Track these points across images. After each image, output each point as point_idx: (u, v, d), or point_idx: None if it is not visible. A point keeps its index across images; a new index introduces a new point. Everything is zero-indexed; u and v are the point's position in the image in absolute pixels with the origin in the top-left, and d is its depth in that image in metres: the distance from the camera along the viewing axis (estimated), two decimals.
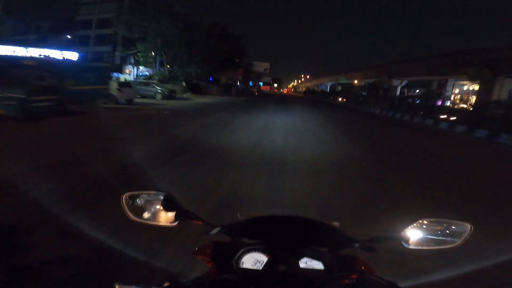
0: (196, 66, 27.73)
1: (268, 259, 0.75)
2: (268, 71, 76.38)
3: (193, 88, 27.64)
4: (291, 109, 22.94)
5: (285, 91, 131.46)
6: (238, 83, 52.70)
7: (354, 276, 0.67)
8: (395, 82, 40.46)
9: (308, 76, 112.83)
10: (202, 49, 26.50)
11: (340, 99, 48.78)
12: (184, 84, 26.08)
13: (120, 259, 2.36)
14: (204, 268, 0.85)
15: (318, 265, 0.75)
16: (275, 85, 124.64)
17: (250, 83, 77.21)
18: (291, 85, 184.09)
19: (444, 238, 0.78)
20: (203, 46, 26.52)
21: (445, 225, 0.79)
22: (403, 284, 0.63)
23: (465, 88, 34.45)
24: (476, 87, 27.02)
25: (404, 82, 40.85)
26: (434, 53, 33.05)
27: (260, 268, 0.74)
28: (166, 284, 0.59)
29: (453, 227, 0.79)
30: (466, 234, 0.78)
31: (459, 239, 0.78)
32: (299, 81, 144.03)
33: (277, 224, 0.85)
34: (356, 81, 50.50)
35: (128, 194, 0.81)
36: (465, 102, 32.47)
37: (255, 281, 0.67)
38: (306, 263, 0.75)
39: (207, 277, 0.65)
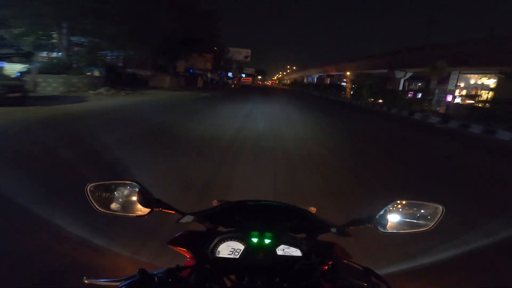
0: (126, 44, 17.49)
1: (244, 247, 0.74)
2: (249, 58, 68.21)
3: (120, 80, 18.49)
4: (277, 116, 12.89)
5: (269, 83, 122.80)
6: (209, 74, 43.22)
7: (331, 262, 0.67)
8: (398, 74, 33.66)
9: (294, 68, 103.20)
10: (137, 19, 16.24)
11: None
12: (97, 73, 15.88)
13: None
14: (178, 259, 0.80)
15: (295, 252, 0.74)
16: (259, 77, 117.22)
17: (230, 75, 69.25)
18: (275, 77, 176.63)
19: (417, 221, 0.80)
20: (139, 14, 16.65)
21: (417, 208, 0.80)
22: (379, 271, 0.61)
23: (472, 82, 30.44)
24: (487, 80, 23.46)
25: (409, 74, 34.13)
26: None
27: (237, 256, 0.73)
28: (136, 277, 0.56)
29: (426, 209, 0.80)
30: (438, 216, 0.79)
31: (432, 222, 0.79)
32: (284, 73, 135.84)
33: (253, 211, 0.85)
34: (348, 73, 43.56)
35: (92, 184, 0.75)
36: (473, 98, 27.48)
37: (231, 270, 0.66)
38: (283, 250, 0.74)
39: (181, 268, 0.63)
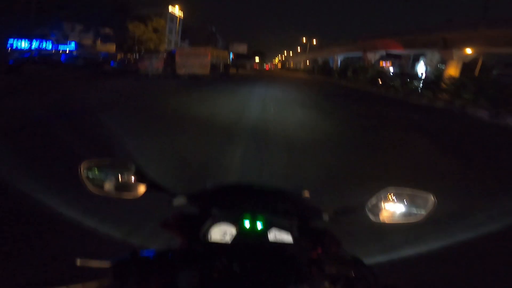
0: None
1: (236, 231, 0.74)
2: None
3: None
4: None
5: (267, 67, 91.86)
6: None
7: (320, 250, 0.68)
8: None
9: (314, 42, 65.08)
10: None
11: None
12: None
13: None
14: (171, 241, 0.80)
15: (287, 237, 0.75)
16: (257, 59, 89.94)
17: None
18: (277, 59, 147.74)
19: (408, 210, 0.79)
20: None
21: (409, 196, 0.79)
22: (367, 260, 0.62)
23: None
24: None
25: None
26: None
27: (229, 240, 0.73)
28: (128, 258, 0.57)
29: (417, 198, 0.79)
30: (429, 206, 0.78)
31: (423, 211, 0.78)
32: (290, 53, 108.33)
33: (246, 192, 0.87)
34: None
35: (86, 161, 0.75)
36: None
37: (223, 254, 0.65)
38: (275, 236, 0.75)
39: (172, 250, 0.63)
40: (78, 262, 0.56)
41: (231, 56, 60.57)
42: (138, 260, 0.57)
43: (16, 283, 1.69)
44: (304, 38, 60.27)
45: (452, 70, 22.28)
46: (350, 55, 46.66)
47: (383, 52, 37.07)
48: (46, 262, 1.82)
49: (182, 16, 48.55)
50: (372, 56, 38.55)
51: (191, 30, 59.99)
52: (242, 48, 63.50)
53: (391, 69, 31.84)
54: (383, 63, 38.14)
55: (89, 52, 27.26)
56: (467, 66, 22.95)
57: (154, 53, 24.25)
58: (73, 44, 29.35)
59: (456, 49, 22.34)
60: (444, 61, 24.81)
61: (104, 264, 0.56)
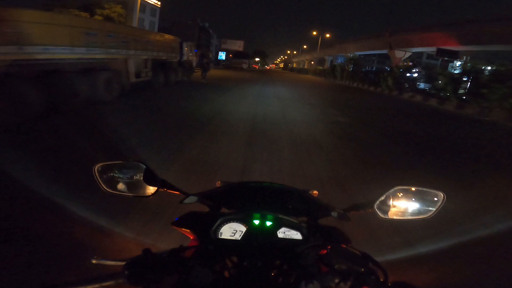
0: None
1: (246, 229, 0.75)
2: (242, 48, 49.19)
3: None
4: None
5: (268, 67, 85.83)
6: None
7: (330, 246, 0.67)
8: None
9: (328, 36, 49.33)
10: None
11: None
12: None
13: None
14: (182, 239, 0.81)
15: (296, 235, 0.75)
16: (257, 59, 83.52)
17: (222, 56, 40.15)
18: (279, 60, 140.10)
19: (417, 208, 0.79)
20: None
21: (418, 194, 0.79)
22: (376, 257, 0.61)
23: None
24: None
25: None
26: None
27: (239, 238, 0.74)
28: (141, 257, 0.58)
29: (426, 196, 0.79)
30: (439, 204, 0.78)
31: (432, 209, 0.78)
32: (294, 53, 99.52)
33: (255, 192, 0.88)
34: None
35: (100, 164, 0.77)
36: None
37: (233, 251, 0.67)
38: (284, 233, 0.75)
39: (184, 248, 0.64)
40: (94, 261, 0.60)
41: (223, 55, 51.89)
42: (151, 259, 0.58)
43: (32, 285, 1.66)
44: (313, 32, 50.59)
45: None
46: (369, 52, 38.18)
47: (417, 49, 28.49)
48: (61, 262, 1.83)
49: (160, 4, 39.75)
50: (401, 55, 29.97)
51: (178, 25, 51.39)
52: (238, 45, 54.64)
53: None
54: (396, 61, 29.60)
55: None
56: None
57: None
58: None
59: None
60: None
61: (118, 263, 0.59)
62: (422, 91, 19.31)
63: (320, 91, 19.22)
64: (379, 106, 13.73)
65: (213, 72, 32.29)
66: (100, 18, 21.43)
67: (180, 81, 14.05)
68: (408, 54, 30.17)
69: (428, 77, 19.27)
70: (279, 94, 13.84)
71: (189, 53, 15.20)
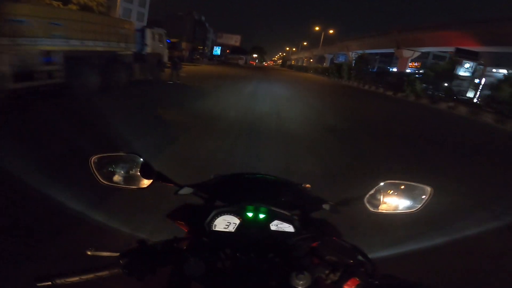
0: None
1: (240, 221, 0.76)
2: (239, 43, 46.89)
3: None
4: None
5: (266, 64, 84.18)
6: None
7: (320, 240, 0.70)
8: None
9: (331, 31, 46.93)
10: None
11: None
12: None
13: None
14: (176, 231, 0.78)
15: (288, 227, 0.77)
16: (254, 55, 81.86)
17: (217, 51, 39.34)
18: (277, 56, 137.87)
19: (406, 202, 0.81)
20: None
21: (407, 188, 0.81)
22: (365, 250, 0.63)
23: None
24: None
25: None
26: None
27: (233, 230, 0.75)
28: (136, 247, 0.60)
29: (415, 190, 0.81)
30: (426, 197, 0.80)
31: (420, 203, 0.80)
32: (293, 50, 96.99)
33: (249, 184, 0.89)
34: None
35: (96, 156, 0.78)
36: None
37: (227, 243, 0.68)
38: (277, 225, 0.77)
39: (179, 239, 0.65)
40: (89, 253, 0.61)
41: (218, 50, 49.30)
42: (145, 250, 0.59)
43: (28, 276, 1.38)
44: (316, 27, 47.96)
45: None
46: (373, 51, 35.92)
47: (429, 49, 26.34)
48: (56, 254, 1.87)
49: None
50: (409, 54, 27.77)
51: (172, 18, 48.58)
52: (235, 40, 51.94)
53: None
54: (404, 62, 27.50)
55: None
56: None
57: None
58: None
59: None
60: None
61: (113, 254, 0.60)
62: (465, 101, 16.55)
63: (332, 99, 14.88)
64: (444, 132, 9.42)
65: (204, 68, 29.55)
66: (76, 7, 18.72)
67: (139, 81, 10.63)
68: (416, 54, 27.98)
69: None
70: (280, 113, 8.61)
71: (157, 44, 12.19)
